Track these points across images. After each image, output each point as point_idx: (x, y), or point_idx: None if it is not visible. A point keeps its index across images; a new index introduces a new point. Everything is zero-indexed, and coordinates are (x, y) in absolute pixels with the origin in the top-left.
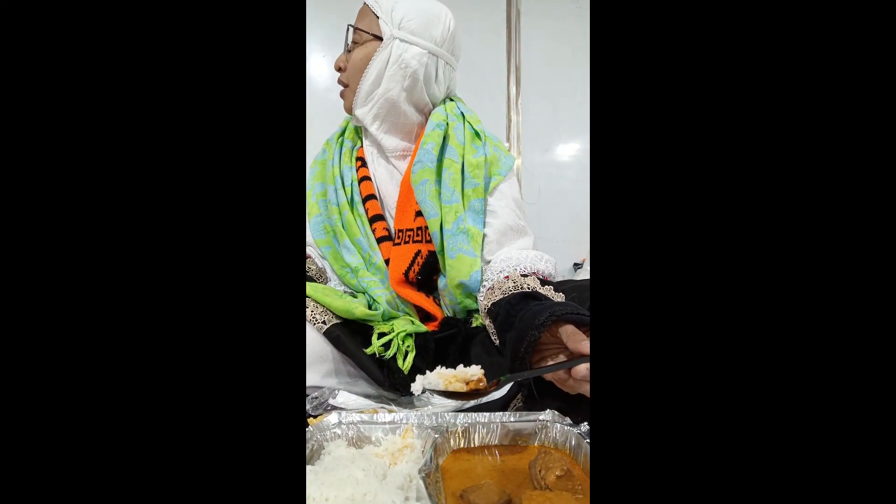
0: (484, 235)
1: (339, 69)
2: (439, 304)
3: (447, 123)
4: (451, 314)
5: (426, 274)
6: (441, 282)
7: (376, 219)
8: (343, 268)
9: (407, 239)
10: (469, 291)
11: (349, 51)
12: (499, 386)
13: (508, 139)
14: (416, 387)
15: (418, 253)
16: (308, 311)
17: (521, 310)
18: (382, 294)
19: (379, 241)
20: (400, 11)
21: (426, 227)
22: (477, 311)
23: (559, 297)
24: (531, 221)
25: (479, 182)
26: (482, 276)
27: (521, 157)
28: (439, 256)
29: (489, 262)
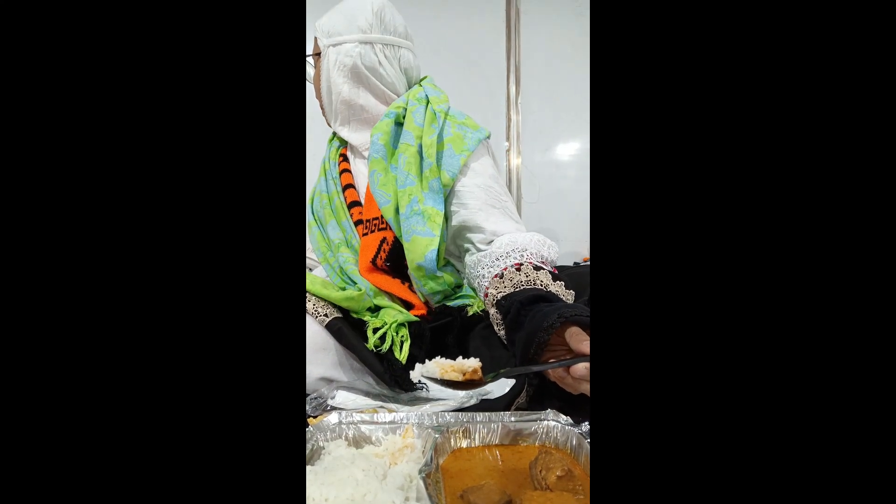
0: (469, 219)
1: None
2: (414, 292)
3: (405, 109)
4: (422, 300)
5: (394, 260)
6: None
7: (354, 205)
8: (326, 245)
9: (373, 228)
10: (431, 273)
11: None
12: (494, 379)
13: (508, 139)
14: (414, 374)
15: (384, 240)
16: (310, 305)
17: (532, 310)
18: (356, 272)
19: (356, 223)
20: (329, 22)
21: None
22: (451, 295)
23: (569, 294)
24: (532, 221)
25: (432, 161)
26: (480, 258)
27: (522, 157)
28: (401, 242)
29: (490, 242)
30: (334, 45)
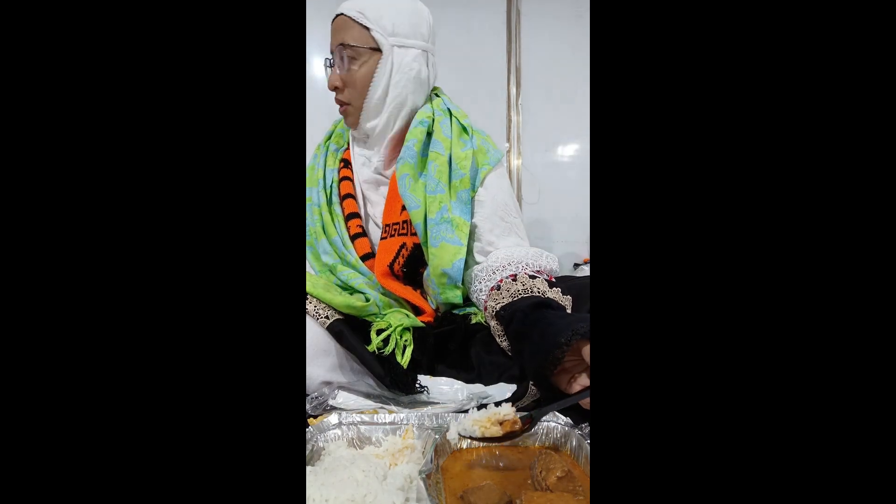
0: (474, 225)
1: (335, 89)
2: (426, 298)
3: (433, 119)
4: (434, 307)
5: (411, 266)
6: (426, 273)
7: (352, 216)
8: (321, 266)
9: (393, 233)
10: (453, 282)
11: (347, 69)
12: (532, 424)
13: (509, 140)
14: (451, 434)
15: (403, 245)
16: (311, 307)
17: (539, 321)
18: (364, 284)
19: (353, 238)
20: (388, 18)
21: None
22: (461, 306)
23: (566, 300)
24: (532, 222)
25: (465, 173)
26: (478, 273)
27: (522, 158)
28: (423, 248)
29: (488, 254)
30: (401, 47)
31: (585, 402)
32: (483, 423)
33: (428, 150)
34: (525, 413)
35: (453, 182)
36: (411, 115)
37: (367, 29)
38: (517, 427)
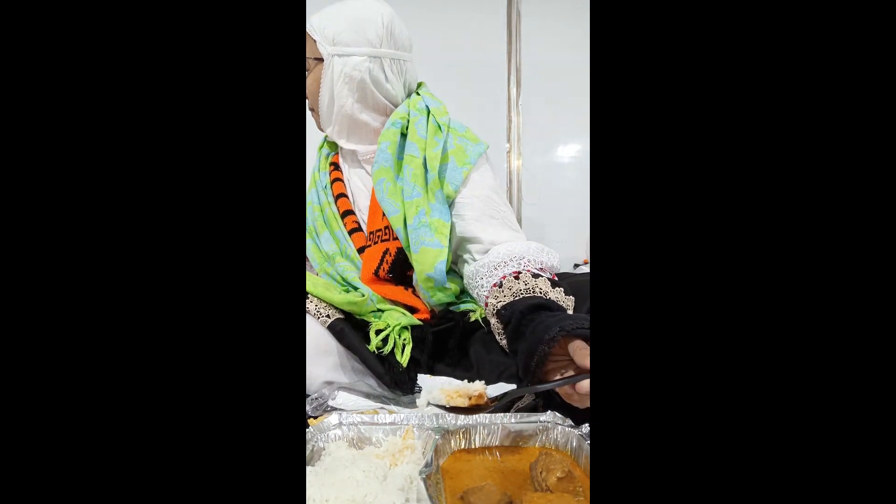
0: (468, 229)
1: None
2: (418, 296)
3: (408, 120)
4: (428, 306)
5: (398, 271)
6: (414, 277)
7: (347, 213)
8: (322, 256)
9: (377, 240)
10: (440, 285)
11: (306, 79)
12: (501, 402)
13: (509, 140)
14: (420, 402)
15: (386, 251)
16: (311, 306)
17: (533, 321)
18: (357, 279)
19: (350, 232)
20: (331, 28)
21: None
22: (457, 302)
23: (569, 300)
24: (532, 223)
25: (434, 174)
26: (478, 268)
27: (522, 159)
28: (406, 252)
29: (487, 252)
30: (340, 56)
31: (564, 392)
32: (451, 393)
33: (403, 153)
34: (499, 395)
35: (429, 184)
36: (368, 126)
37: (316, 42)
38: (483, 402)
